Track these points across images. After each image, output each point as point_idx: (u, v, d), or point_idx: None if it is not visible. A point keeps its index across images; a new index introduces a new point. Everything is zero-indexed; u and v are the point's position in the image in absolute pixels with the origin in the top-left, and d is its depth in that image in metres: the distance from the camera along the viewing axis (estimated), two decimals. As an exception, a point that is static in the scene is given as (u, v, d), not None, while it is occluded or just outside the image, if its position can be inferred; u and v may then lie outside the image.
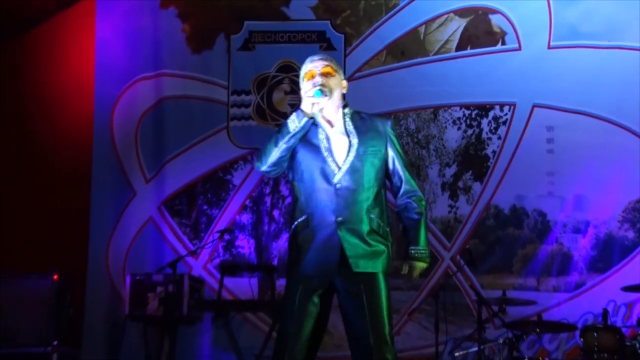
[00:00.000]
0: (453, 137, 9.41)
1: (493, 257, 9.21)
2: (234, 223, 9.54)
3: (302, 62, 4.91)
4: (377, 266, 4.59)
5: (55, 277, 8.02)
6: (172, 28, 9.85)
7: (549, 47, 9.28)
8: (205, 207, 9.71)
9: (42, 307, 7.93)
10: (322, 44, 9.60)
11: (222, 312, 8.49)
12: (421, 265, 4.85)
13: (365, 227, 4.56)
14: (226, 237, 9.35)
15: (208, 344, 9.29)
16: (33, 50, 10.39)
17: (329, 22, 9.69)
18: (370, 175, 4.62)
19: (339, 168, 4.58)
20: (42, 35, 10.42)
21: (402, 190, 4.78)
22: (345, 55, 9.61)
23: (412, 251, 4.84)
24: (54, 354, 7.69)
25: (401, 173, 4.78)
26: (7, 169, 10.10)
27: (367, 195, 4.60)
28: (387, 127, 4.77)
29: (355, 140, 4.63)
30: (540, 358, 8.07)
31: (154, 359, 8.45)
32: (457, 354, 8.42)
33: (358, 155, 4.61)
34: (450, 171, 9.38)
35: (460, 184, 9.36)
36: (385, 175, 4.77)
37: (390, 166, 4.77)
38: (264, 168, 4.68)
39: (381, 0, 9.67)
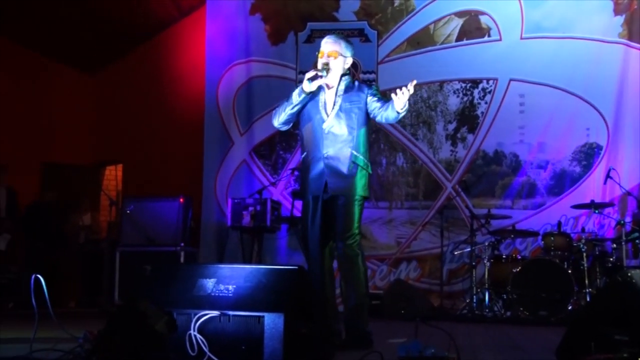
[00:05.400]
0: (454, 102, 9.31)
1: (481, 186, 9.13)
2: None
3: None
4: (353, 188, 4.54)
5: (181, 200, 8.04)
6: (258, 28, 9.83)
7: (522, 38, 9.13)
8: (281, 152, 9.69)
9: (173, 220, 7.98)
10: (361, 38, 9.46)
11: (293, 224, 8.52)
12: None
13: (345, 161, 4.49)
14: (296, 173, 9.24)
15: (284, 246, 9.33)
16: (165, 45, 10.58)
17: (366, 22, 9.57)
18: (351, 122, 4.53)
19: (328, 117, 4.55)
20: (170, 35, 10.63)
21: (383, 103, 4.53)
22: (378, 46, 9.51)
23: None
24: (181, 252, 7.85)
25: (380, 100, 4.54)
26: (151, 126, 10.37)
27: (350, 137, 4.52)
28: (369, 90, 4.61)
29: (339, 99, 4.56)
30: (514, 255, 8.12)
31: (247, 256, 8.49)
32: (456, 253, 8.66)
33: (342, 109, 4.54)
34: (451, 126, 9.27)
35: (459, 135, 9.25)
36: (368, 111, 4.58)
37: (370, 103, 4.56)
38: (276, 125, 4.68)
39: (403, 6, 9.50)
